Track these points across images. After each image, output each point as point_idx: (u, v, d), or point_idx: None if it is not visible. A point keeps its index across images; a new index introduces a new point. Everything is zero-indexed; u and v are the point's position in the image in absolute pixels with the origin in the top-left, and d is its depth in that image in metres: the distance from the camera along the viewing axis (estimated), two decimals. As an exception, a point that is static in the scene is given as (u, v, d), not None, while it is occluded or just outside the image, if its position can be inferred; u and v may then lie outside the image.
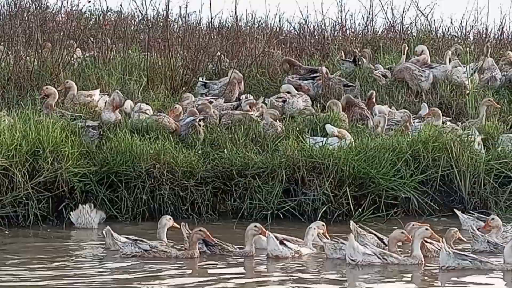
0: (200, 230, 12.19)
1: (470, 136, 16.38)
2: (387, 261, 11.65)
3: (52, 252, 12.60)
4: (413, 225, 12.65)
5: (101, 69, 19.48)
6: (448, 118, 18.58)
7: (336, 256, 11.97)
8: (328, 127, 16.47)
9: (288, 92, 18.83)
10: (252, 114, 17.17)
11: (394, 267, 11.51)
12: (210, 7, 22.84)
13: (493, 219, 13.04)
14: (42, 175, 14.63)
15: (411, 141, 16.06)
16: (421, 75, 19.97)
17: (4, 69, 18.47)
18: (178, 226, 12.84)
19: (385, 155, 15.55)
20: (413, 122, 17.74)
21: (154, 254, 12.08)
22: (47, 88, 17.01)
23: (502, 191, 15.77)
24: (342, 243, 11.93)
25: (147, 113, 16.78)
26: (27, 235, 13.93)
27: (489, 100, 18.78)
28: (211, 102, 17.67)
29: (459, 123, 18.17)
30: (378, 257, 11.65)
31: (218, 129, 16.59)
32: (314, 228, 12.80)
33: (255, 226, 12.28)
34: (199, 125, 16.34)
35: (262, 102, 18.31)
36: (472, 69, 20.67)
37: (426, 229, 11.87)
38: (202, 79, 19.68)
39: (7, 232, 13.51)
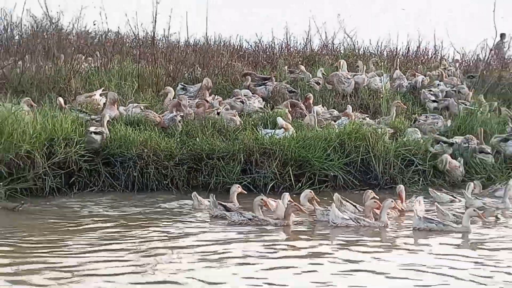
0: (295, 204, 12.07)
1: (382, 129, 16.48)
2: (360, 224, 11.77)
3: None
4: (371, 192, 13.23)
5: (102, 76, 19.42)
6: (366, 115, 18.68)
7: (324, 219, 12.11)
8: (279, 119, 16.54)
9: (246, 95, 18.88)
10: (215, 109, 17.16)
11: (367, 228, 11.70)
12: (187, 29, 23.06)
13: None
14: (56, 157, 14.56)
15: (339, 132, 16.10)
16: (345, 81, 20.07)
17: (28, 76, 18.33)
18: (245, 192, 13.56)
19: (318, 143, 15.58)
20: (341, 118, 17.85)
21: (256, 222, 11.88)
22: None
23: (407, 171, 15.82)
24: (328, 209, 12.12)
25: (141, 107, 16.76)
26: (45, 203, 13.86)
27: (398, 102, 18.90)
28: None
29: (375, 120, 18.29)
30: (353, 221, 11.80)
31: (192, 122, 16.60)
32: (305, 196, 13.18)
33: (261, 199, 12.29)
34: (178, 119, 16.36)
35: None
36: (385, 78, 20.82)
37: (392, 201, 12.06)
38: (181, 84, 19.70)
39: (29, 201, 13.42)
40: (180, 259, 9.59)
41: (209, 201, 12.87)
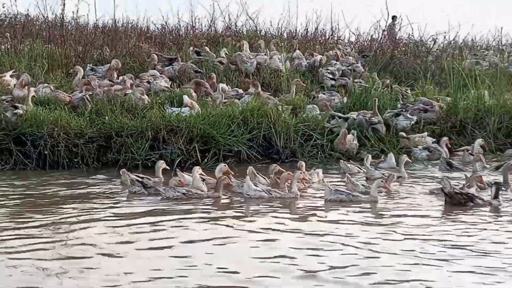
0: (225, 178, 12.11)
1: (283, 106, 16.53)
2: (272, 195, 11.79)
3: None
4: (275, 166, 13.19)
5: (13, 58, 18.90)
6: (268, 93, 18.70)
7: (240, 191, 12.14)
8: (185, 97, 16.41)
9: (153, 75, 18.68)
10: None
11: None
12: (95, 12, 22.69)
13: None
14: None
15: (242, 110, 16.08)
16: (247, 61, 20.06)
17: None
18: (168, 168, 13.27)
19: (223, 120, 15.53)
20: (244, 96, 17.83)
21: (190, 196, 11.76)
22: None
23: (306, 145, 15.92)
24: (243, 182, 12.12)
25: (51, 88, 16.41)
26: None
27: (297, 80, 19.00)
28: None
29: (276, 97, 18.32)
30: (266, 192, 11.81)
31: (101, 101, 16.34)
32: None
33: (179, 180, 12.25)
34: (87, 98, 16.07)
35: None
36: (285, 58, 20.88)
37: (301, 173, 12.14)
38: (90, 65, 19.39)
39: None
40: (91, 234, 9.41)
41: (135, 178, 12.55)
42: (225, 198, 11.97)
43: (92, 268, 7.82)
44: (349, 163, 14.56)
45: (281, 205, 11.36)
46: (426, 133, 16.81)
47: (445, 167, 14.67)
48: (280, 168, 13.23)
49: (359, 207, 11.22)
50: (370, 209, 11.14)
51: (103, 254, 8.39)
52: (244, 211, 11.06)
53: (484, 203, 11.32)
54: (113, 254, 8.40)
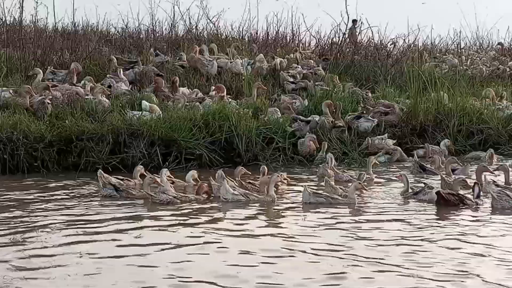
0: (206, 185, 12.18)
1: (244, 110, 16.54)
2: (249, 199, 11.82)
3: None
4: (241, 169, 13.29)
5: (-31, 61, 18.71)
6: (229, 96, 18.71)
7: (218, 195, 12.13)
8: (144, 103, 16.37)
9: (112, 77, 18.62)
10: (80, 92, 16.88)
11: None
12: (54, 15, 22.49)
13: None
14: None
15: (203, 113, 16.07)
16: (208, 64, 20.08)
17: None
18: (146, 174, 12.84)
19: (184, 123, 15.50)
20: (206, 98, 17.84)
21: (181, 199, 11.87)
22: None
23: (268, 148, 15.94)
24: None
25: (10, 92, 16.30)
26: None
27: (258, 84, 19.01)
28: (54, 86, 17.23)
29: (238, 100, 18.33)
30: (243, 196, 11.83)
31: (61, 105, 16.22)
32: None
33: (150, 177, 12.26)
34: (47, 102, 15.95)
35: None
36: (246, 61, 20.91)
37: (278, 176, 12.20)
38: (50, 68, 19.24)
39: None
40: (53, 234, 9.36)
41: (116, 180, 12.66)
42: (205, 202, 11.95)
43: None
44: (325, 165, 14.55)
45: (258, 209, 11.42)
46: (386, 135, 16.93)
47: (418, 170, 14.76)
48: (246, 171, 13.25)
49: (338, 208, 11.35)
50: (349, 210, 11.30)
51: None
52: (222, 215, 11.10)
53: (472, 203, 11.63)
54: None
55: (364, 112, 17.70)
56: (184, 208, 11.41)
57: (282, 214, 11.19)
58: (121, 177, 12.86)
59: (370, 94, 19.70)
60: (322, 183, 12.78)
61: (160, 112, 16.00)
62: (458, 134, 17.64)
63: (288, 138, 16.16)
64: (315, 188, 12.57)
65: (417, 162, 15.04)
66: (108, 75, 18.79)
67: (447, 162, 14.48)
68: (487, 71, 24.22)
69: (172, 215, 10.85)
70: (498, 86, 21.86)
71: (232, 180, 12.83)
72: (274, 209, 11.49)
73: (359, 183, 12.06)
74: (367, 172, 13.85)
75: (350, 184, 12.52)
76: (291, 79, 20.44)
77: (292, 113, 17.40)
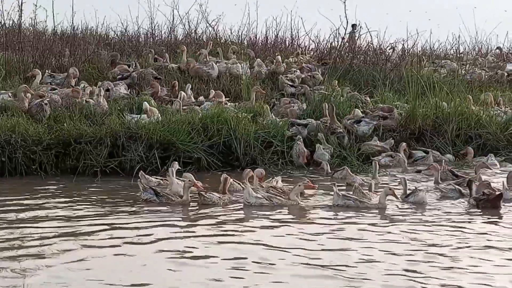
0: (189, 181, 12.09)
1: (242, 113, 16.55)
2: (273, 202, 11.82)
3: None
4: (249, 171, 13.17)
5: (-31, 64, 18.75)
6: (228, 100, 18.73)
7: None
8: (145, 103, 16.35)
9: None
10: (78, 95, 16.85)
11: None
12: (53, 18, 22.52)
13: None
14: None
15: (202, 116, 16.08)
16: (208, 69, 20.15)
17: None
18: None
19: (183, 127, 15.50)
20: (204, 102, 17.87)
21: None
22: None
23: (266, 152, 15.93)
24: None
25: (9, 94, 16.34)
26: None
27: (257, 88, 19.03)
28: (54, 89, 17.24)
29: (236, 104, 18.36)
30: (266, 199, 11.83)
31: (60, 108, 16.23)
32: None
33: (189, 180, 12.13)
34: (45, 105, 15.95)
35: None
36: (245, 65, 20.95)
37: (300, 185, 12.11)
38: (49, 71, 19.27)
39: None
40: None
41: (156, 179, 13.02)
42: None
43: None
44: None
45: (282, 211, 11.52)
46: (375, 138, 16.91)
47: (451, 177, 14.40)
48: (253, 173, 13.26)
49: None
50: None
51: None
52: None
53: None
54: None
55: (364, 116, 17.67)
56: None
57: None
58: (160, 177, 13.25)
59: (368, 99, 19.70)
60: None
61: (159, 116, 16.00)
62: (457, 138, 17.63)
63: (286, 141, 16.16)
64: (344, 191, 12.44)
65: (448, 169, 14.80)
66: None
67: (478, 167, 14.50)
68: (486, 76, 24.22)
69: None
70: (496, 91, 21.86)
71: (239, 183, 12.94)
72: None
73: (390, 188, 11.90)
74: (373, 176, 13.87)
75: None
76: (290, 83, 20.45)
77: (292, 116, 17.42)
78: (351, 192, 12.25)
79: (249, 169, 13.42)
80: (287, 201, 11.94)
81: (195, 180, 12.47)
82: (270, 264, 8.46)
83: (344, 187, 13.21)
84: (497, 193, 11.89)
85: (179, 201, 11.95)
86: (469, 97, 19.37)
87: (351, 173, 14.20)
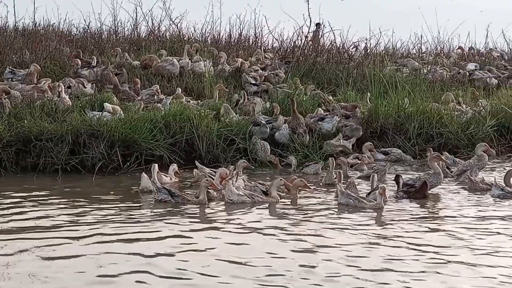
0: (207, 180, 11.92)
1: (205, 111, 16.52)
2: (254, 199, 11.82)
3: None
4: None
5: None
6: (190, 98, 18.68)
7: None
8: (106, 104, 16.26)
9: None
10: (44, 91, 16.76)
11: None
12: (15, 14, 22.32)
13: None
14: None
15: (164, 114, 16.02)
16: (168, 65, 20.14)
17: None
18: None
19: (145, 124, 15.43)
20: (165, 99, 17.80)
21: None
22: None
23: (229, 150, 15.91)
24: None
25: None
26: None
27: (220, 85, 18.97)
28: (10, 87, 17.06)
29: (199, 101, 18.31)
30: (248, 197, 11.81)
31: (20, 105, 16.07)
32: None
33: (207, 180, 11.95)
34: (5, 102, 15.78)
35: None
36: (208, 63, 20.91)
37: (280, 179, 12.23)
38: (9, 68, 19.06)
39: None
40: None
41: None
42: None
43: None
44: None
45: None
46: (340, 134, 16.95)
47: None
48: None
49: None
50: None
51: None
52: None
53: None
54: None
55: (327, 114, 17.69)
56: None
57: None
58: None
59: (331, 97, 19.75)
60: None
61: (121, 113, 15.90)
62: (418, 137, 17.74)
63: (249, 139, 16.14)
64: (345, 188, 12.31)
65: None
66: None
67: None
68: (447, 75, 24.42)
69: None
70: (457, 90, 22.04)
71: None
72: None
73: (382, 187, 11.71)
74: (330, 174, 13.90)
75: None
76: (253, 81, 20.44)
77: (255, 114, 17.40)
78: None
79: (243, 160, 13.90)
80: (267, 199, 11.93)
81: (212, 181, 12.26)
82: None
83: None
84: (421, 183, 12.36)
85: (195, 201, 11.73)
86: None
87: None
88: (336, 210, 11.48)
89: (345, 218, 10.85)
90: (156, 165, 13.21)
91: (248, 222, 10.51)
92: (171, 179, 13.63)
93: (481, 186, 13.23)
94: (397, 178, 12.73)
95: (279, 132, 16.52)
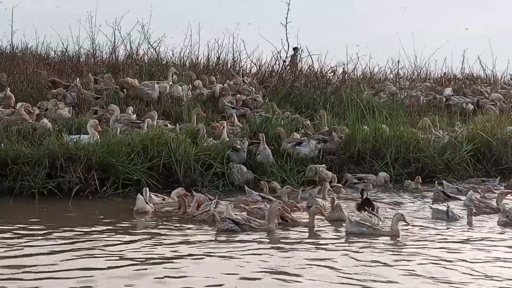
0: (279, 209, 11.69)
1: (183, 135, 16.54)
2: (252, 225, 11.55)
3: None
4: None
5: None
6: (168, 122, 18.70)
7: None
8: (88, 127, 16.04)
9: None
10: (25, 116, 16.71)
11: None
12: (-9, 36, 22.31)
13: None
14: None
15: (142, 138, 16.01)
16: (149, 90, 20.18)
17: None
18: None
19: (122, 148, 15.42)
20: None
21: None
22: None
23: (207, 174, 15.92)
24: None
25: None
26: None
27: (198, 110, 19.01)
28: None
29: (177, 125, 18.32)
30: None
31: (-3, 128, 16.09)
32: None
33: (279, 208, 11.78)
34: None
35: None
36: (186, 87, 20.97)
37: (279, 209, 11.84)
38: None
39: None
40: None
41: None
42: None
43: None
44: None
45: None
46: (324, 165, 16.97)
47: (443, 198, 14.91)
48: (210, 197, 13.57)
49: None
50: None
51: None
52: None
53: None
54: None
55: (304, 138, 17.75)
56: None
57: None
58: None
59: (309, 122, 19.82)
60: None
61: (98, 137, 15.88)
62: (395, 162, 17.83)
63: (227, 163, 16.17)
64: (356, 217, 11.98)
65: (440, 190, 15.19)
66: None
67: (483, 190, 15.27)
68: (424, 100, 24.61)
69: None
70: (434, 115, 22.20)
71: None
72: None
73: (402, 215, 11.53)
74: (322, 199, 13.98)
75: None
76: (231, 105, 20.51)
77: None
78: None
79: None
80: (263, 226, 11.60)
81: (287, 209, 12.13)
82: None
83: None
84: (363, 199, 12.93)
85: (264, 228, 11.50)
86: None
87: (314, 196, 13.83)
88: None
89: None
90: (147, 188, 13.45)
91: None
92: (164, 199, 13.78)
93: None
94: (362, 192, 13.25)
95: (261, 154, 16.54)
